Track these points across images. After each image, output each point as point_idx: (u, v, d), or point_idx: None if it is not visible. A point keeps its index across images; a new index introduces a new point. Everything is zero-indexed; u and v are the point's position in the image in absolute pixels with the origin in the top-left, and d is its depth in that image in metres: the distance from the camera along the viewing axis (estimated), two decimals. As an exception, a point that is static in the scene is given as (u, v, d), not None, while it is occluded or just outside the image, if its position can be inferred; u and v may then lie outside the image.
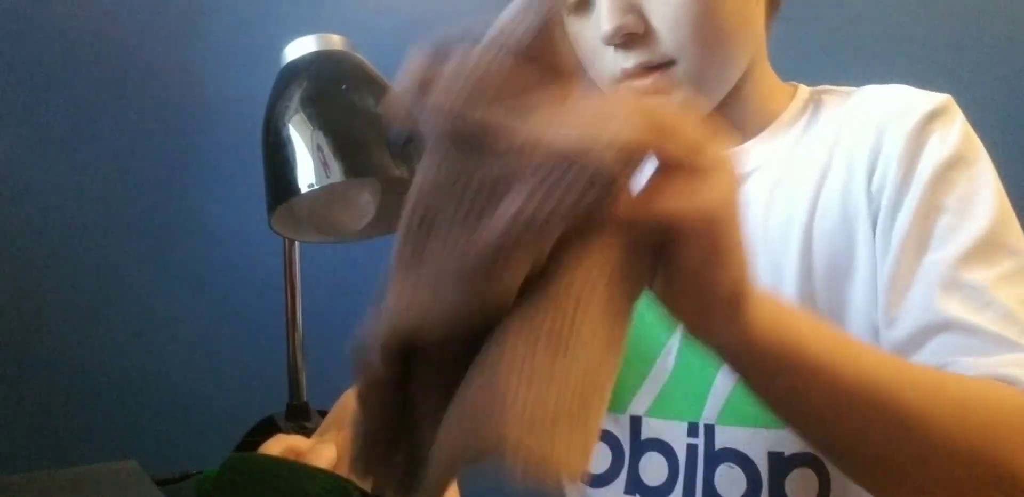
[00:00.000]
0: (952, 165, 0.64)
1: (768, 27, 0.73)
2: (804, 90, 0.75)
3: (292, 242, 1.00)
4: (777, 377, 0.47)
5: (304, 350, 1.01)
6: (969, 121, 0.67)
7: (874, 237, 0.65)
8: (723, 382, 0.70)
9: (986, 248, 0.61)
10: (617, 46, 0.67)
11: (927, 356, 0.61)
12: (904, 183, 0.64)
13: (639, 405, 0.74)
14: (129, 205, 1.42)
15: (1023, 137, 1.32)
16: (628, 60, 0.67)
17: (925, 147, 0.64)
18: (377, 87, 0.88)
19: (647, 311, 0.71)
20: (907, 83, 0.70)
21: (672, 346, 0.73)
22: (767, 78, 0.74)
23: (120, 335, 1.40)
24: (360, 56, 0.92)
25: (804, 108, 0.73)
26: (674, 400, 0.73)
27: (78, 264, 1.39)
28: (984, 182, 0.64)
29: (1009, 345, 0.58)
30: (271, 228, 0.88)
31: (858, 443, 0.50)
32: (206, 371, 1.39)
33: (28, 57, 1.38)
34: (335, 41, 0.91)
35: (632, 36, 0.66)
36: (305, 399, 1.04)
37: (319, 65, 0.88)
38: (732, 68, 0.70)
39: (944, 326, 0.60)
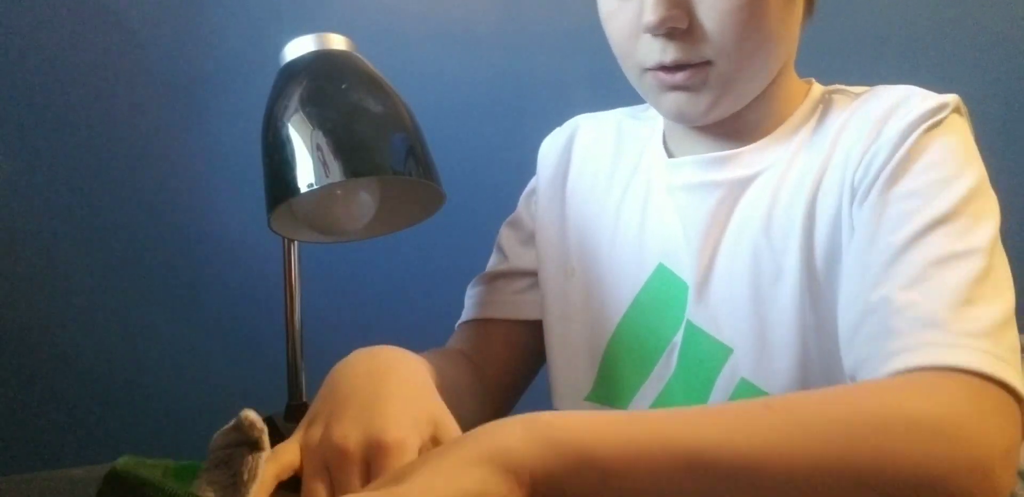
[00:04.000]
0: (934, 166, 0.62)
1: (802, 31, 0.73)
2: (817, 90, 0.75)
3: (292, 242, 0.99)
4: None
5: (304, 350, 1.01)
6: (977, 115, 0.67)
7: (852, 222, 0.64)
8: (726, 382, 0.70)
9: (938, 230, 0.58)
10: (657, 35, 0.66)
11: (860, 344, 0.58)
12: (880, 169, 0.63)
13: (640, 404, 0.74)
14: (128, 205, 1.42)
15: None
16: (666, 54, 0.66)
17: (911, 144, 0.63)
18: (377, 87, 0.88)
19: (650, 311, 0.71)
20: (926, 80, 0.69)
21: (675, 345, 0.73)
22: (790, 81, 0.74)
23: (119, 335, 1.40)
24: (360, 56, 0.91)
25: (813, 109, 0.73)
26: (676, 400, 0.72)
27: (77, 264, 1.39)
28: (956, 170, 0.62)
29: (930, 323, 0.54)
30: (270, 228, 0.88)
31: None
32: (205, 371, 1.38)
33: (27, 57, 1.37)
34: (335, 41, 0.91)
35: (674, 30, 0.65)
36: (305, 399, 1.04)
37: (319, 65, 0.88)
38: (765, 74, 0.70)
39: (874, 308, 0.57)
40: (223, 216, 1.44)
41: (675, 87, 0.68)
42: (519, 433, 0.46)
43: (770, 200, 0.70)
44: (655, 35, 0.66)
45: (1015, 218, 0.70)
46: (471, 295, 0.90)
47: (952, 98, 0.66)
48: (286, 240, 0.98)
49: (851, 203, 0.65)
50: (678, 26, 0.64)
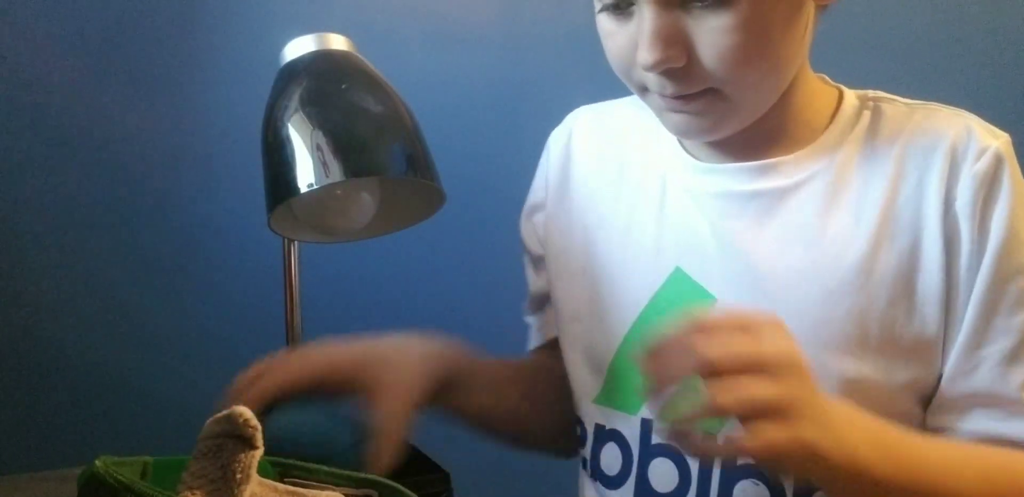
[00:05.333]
0: (1021, 218, 0.64)
1: (814, 31, 0.69)
2: (851, 95, 0.72)
3: (291, 242, 0.99)
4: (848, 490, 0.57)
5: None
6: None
7: (947, 270, 0.65)
8: None
9: None
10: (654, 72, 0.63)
11: (971, 422, 0.65)
12: (980, 238, 0.64)
13: (648, 414, 0.72)
14: (128, 204, 1.42)
15: None
16: (665, 88, 0.64)
17: (997, 199, 0.64)
18: (377, 87, 0.88)
19: (663, 314, 0.71)
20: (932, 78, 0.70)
21: None
22: (811, 86, 0.71)
23: (118, 335, 1.40)
24: (360, 56, 0.91)
25: (857, 115, 0.70)
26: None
27: (75, 264, 1.39)
28: None
29: None
30: (270, 228, 0.88)
31: None
32: (206, 371, 1.38)
33: (28, 57, 1.37)
34: (335, 41, 0.91)
35: (673, 69, 0.62)
36: (305, 399, 1.04)
37: (319, 65, 0.88)
38: (773, 93, 0.67)
39: (996, 398, 0.64)
40: (223, 216, 1.44)
41: (677, 110, 0.66)
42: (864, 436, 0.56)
43: (821, 211, 0.67)
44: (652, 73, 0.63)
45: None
46: (529, 323, 0.90)
47: (1007, 140, 0.66)
48: (286, 240, 0.99)
49: (943, 250, 0.65)
50: (676, 66, 0.61)
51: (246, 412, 0.43)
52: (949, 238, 0.65)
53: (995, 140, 0.65)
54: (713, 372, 0.51)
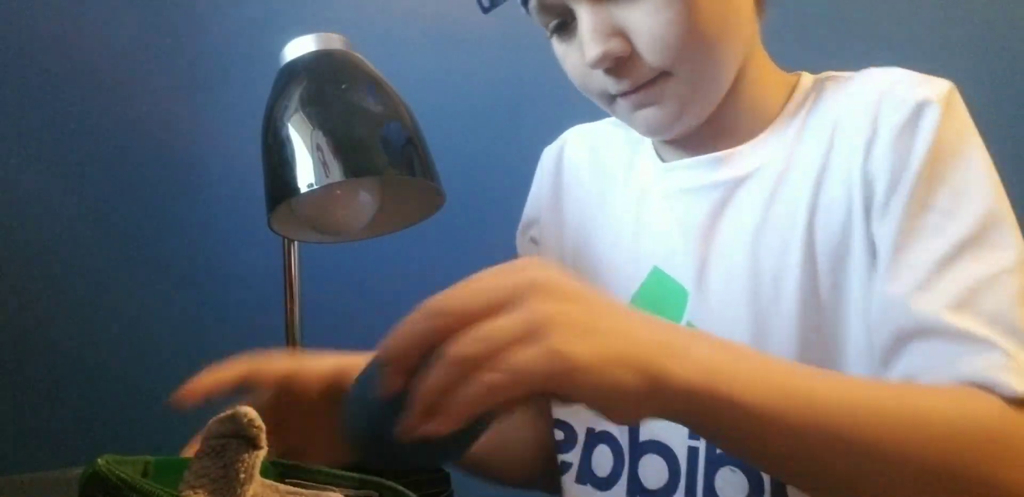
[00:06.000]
0: (943, 159, 0.62)
1: (760, 20, 0.71)
2: (807, 79, 0.73)
3: (292, 242, 0.99)
4: (723, 429, 0.47)
5: (304, 350, 1.01)
6: (971, 107, 0.66)
7: (868, 228, 0.64)
8: None
9: (971, 247, 0.59)
10: (606, 70, 0.66)
11: (904, 365, 0.59)
12: (895, 178, 0.62)
13: None
14: (128, 205, 1.42)
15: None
16: (620, 83, 0.67)
17: (916, 139, 0.62)
18: (377, 87, 0.88)
19: (645, 310, 0.70)
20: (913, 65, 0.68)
21: None
22: (764, 74, 0.73)
23: (119, 335, 1.40)
24: (360, 56, 0.91)
25: (804, 100, 0.71)
26: None
27: (75, 265, 1.39)
28: (976, 178, 0.62)
29: (987, 346, 0.56)
30: (271, 228, 0.88)
31: (825, 475, 0.50)
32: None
33: (28, 57, 1.37)
34: (335, 41, 0.91)
35: (619, 60, 0.65)
36: (305, 399, 1.04)
37: (319, 65, 0.88)
38: (725, 73, 0.69)
39: (920, 331, 0.59)
40: (223, 216, 1.44)
41: (640, 105, 0.68)
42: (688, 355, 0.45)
43: (768, 197, 0.69)
44: (602, 70, 0.66)
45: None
46: None
47: (943, 87, 0.65)
48: (286, 240, 0.99)
49: (864, 208, 0.64)
50: (620, 55, 0.65)
51: (251, 412, 0.43)
52: (868, 197, 0.64)
53: (922, 89, 0.64)
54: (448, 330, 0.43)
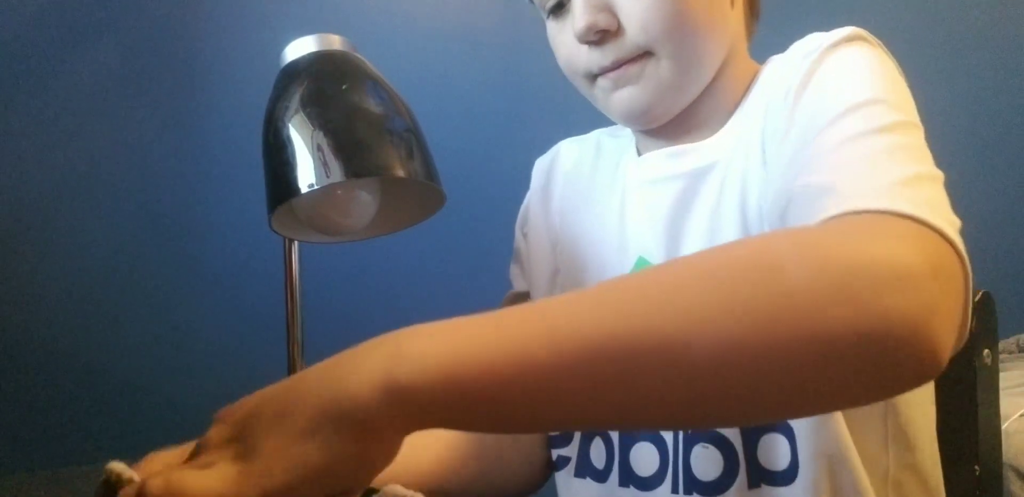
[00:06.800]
0: (827, 70, 0.61)
1: (749, 27, 0.75)
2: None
3: (292, 242, 1.00)
4: (501, 406, 0.40)
5: (304, 350, 1.01)
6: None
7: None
8: None
9: (854, 113, 0.56)
10: (592, 44, 0.69)
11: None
12: (795, 104, 0.61)
13: None
14: (128, 205, 1.42)
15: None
16: (604, 58, 0.70)
17: (817, 70, 0.62)
18: (377, 87, 0.88)
19: None
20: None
21: None
22: (741, 67, 0.74)
23: (119, 335, 1.40)
24: (360, 56, 0.92)
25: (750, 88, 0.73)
26: None
27: (76, 265, 1.39)
28: (861, 72, 0.60)
29: (826, 191, 0.51)
30: (271, 228, 0.88)
31: (655, 404, 0.40)
32: (206, 371, 1.39)
33: (30, 57, 1.38)
34: (335, 41, 0.91)
35: (605, 33, 0.68)
36: (305, 399, 1.04)
37: (319, 65, 0.88)
38: (705, 62, 0.71)
39: (799, 193, 0.55)
40: (223, 216, 1.44)
41: (618, 83, 0.70)
42: (367, 375, 0.39)
43: (719, 187, 0.70)
44: (589, 43, 0.69)
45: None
46: None
47: (852, 28, 0.64)
48: (286, 240, 0.99)
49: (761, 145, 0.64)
50: (607, 28, 0.68)
51: (116, 466, 0.44)
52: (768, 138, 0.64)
53: (833, 34, 0.64)
54: None
